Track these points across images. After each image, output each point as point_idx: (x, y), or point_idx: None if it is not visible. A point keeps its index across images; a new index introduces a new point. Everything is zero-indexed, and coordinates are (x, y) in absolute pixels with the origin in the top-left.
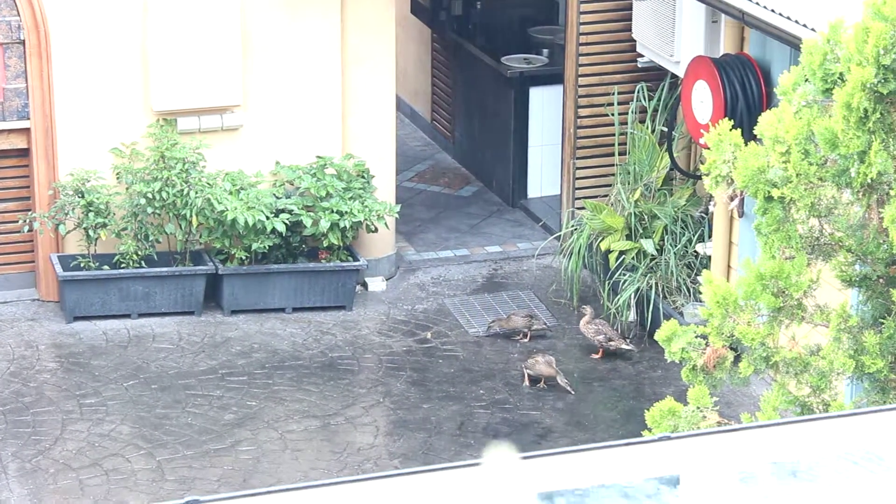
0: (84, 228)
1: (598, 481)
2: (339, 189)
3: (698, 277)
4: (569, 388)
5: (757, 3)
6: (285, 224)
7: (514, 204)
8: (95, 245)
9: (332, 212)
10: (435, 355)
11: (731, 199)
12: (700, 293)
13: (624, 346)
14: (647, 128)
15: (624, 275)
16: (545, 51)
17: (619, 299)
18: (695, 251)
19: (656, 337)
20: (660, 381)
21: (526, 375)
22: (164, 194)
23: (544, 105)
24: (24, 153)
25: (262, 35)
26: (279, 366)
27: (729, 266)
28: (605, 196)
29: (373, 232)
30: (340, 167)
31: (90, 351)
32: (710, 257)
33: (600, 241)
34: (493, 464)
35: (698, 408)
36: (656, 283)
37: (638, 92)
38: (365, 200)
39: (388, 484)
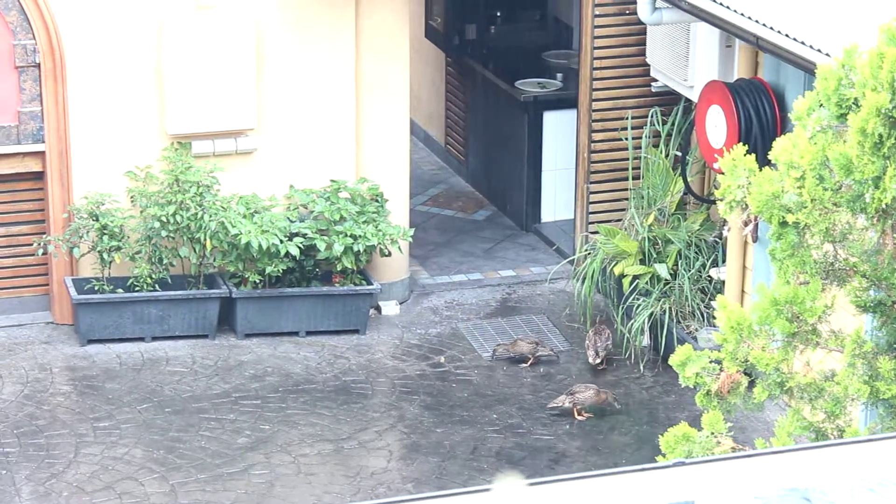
0: (98, 251)
1: None
2: (352, 213)
3: (712, 302)
4: (616, 404)
5: (771, 28)
6: (299, 248)
7: (527, 228)
8: (109, 268)
9: (346, 236)
10: (448, 379)
11: (746, 224)
12: (714, 318)
13: (544, 353)
14: (661, 152)
15: (638, 299)
16: (559, 75)
17: (632, 324)
18: (709, 276)
19: (670, 362)
20: (674, 406)
21: (576, 412)
22: (178, 218)
23: (558, 129)
24: (39, 176)
25: (276, 59)
26: (292, 389)
27: (743, 291)
28: (619, 220)
29: (386, 256)
30: (354, 191)
31: (104, 374)
32: (724, 282)
33: (614, 266)
34: (504, 490)
35: (712, 433)
36: (670, 308)
37: (652, 116)
38: (378, 224)
39: None
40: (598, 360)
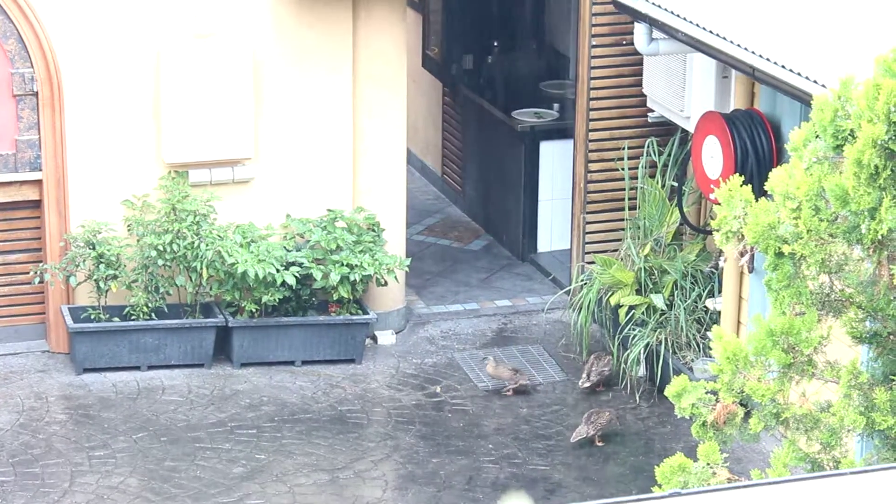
0: (95, 280)
1: None
2: (349, 242)
3: (708, 333)
4: (618, 424)
5: (767, 59)
6: (295, 277)
7: (523, 258)
8: (106, 297)
9: (343, 265)
10: (444, 409)
11: (742, 254)
12: (710, 349)
13: (524, 382)
14: (658, 182)
15: (634, 330)
16: (556, 105)
17: (628, 354)
18: (705, 306)
19: (666, 392)
20: (669, 437)
21: (586, 435)
22: (174, 246)
23: (555, 159)
24: (36, 205)
25: (274, 88)
26: (288, 419)
27: (739, 322)
28: (615, 250)
29: (383, 285)
30: (351, 220)
31: (100, 403)
32: (720, 313)
33: (610, 296)
34: None
35: (708, 464)
36: (666, 339)
37: (648, 147)
38: (375, 254)
39: None
40: (588, 385)
